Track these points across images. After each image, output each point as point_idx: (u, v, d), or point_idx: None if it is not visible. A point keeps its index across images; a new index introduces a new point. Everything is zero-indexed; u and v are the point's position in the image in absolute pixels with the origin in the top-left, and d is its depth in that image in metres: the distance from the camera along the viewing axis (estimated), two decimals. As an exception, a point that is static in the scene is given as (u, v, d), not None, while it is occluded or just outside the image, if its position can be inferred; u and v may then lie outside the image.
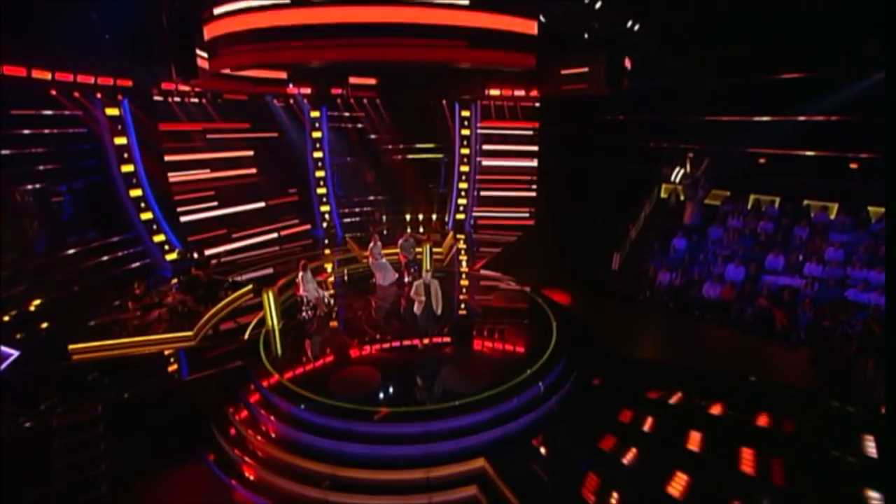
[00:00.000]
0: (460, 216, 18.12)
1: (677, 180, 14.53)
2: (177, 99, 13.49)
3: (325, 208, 17.48)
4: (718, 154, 13.31)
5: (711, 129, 13.66)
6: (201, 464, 7.02)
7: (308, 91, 15.28)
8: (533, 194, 17.75)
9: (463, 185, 18.18)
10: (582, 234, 14.73)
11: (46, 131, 11.36)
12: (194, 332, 9.28)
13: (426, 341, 8.81)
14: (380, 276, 11.93)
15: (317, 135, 16.95)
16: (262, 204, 16.10)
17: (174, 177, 14.01)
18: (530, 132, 17.29)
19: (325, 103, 16.38)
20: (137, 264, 12.71)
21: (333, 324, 10.13)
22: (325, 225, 17.30)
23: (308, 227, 17.01)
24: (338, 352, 8.77)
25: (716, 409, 7.53)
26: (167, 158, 13.82)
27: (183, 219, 14.22)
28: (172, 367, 8.66)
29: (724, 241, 12.76)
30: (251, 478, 6.70)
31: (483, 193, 18.21)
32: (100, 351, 8.72)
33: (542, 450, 6.72)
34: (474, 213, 18.18)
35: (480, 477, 6.41)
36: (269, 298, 9.50)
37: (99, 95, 11.30)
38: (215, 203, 14.98)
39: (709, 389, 8.03)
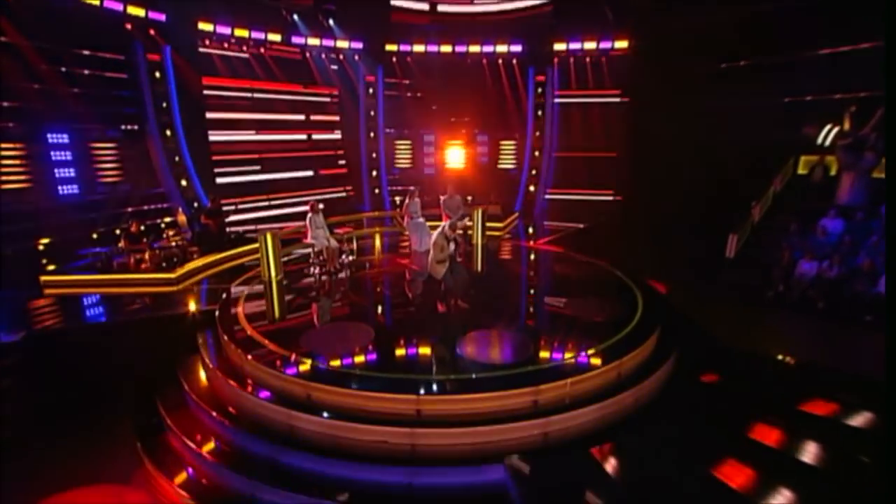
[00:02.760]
0: (530, 197, 15.70)
1: (828, 142, 10.89)
2: (220, 52, 12.86)
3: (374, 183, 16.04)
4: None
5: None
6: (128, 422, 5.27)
7: (360, 46, 14.06)
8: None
9: (535, 163, 15.82)
10: (684, 217, 11.65)
11: (86, 72, 11.03)
12: (177, 276, 7.86)
13: (453, 304, 6.55)
14: (415, 239, 9.86)
15: (371, 101, 15.68)
16: (308, 173, 15.00)
17: (215, 134, 13.34)
18: (617, 98, 14.54)
19: (381, 62, 15.03)
20: (163, 221, 11.92)
21: (343, 281, 8.21)
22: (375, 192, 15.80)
23: (355, 199, 15.57)
24: (331, 307, 6.80)
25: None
26: (209, 116, 13.21)
27: (219, 180, 13.46)
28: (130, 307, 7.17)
29: (910, 220, 8.96)
30: (178, 452, 4.81)
31: (559, 174, 15.68)
32: (71, 287, 7.58)
33: (610, 468, 4.05)
34: (547, 197, 15.67)
35: (497, 496, 3.91)
36: (268, 243, 7.84)
37: (129, 27, 10.78)
38: (256, 167, 14.11)
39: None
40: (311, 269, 8.39)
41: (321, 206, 8.53)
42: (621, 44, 13.35)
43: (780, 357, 6.37)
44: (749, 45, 11.57)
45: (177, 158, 12.45)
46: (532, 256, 10.64)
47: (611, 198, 14.76)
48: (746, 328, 7.58)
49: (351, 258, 9.41)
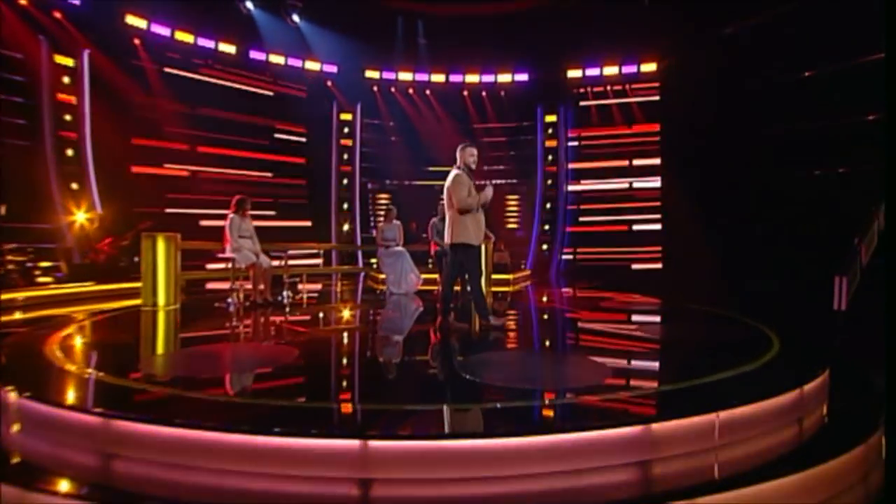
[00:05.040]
0: (542, 258, 13.93)
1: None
2: (157, 67, 11.60)
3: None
4: None
5: None
6: None
7: (334, 70, 13.06)
8: (657, 227, 13.21)
9: (546, 222, 14.35)
10: (754, 264, 10.09)
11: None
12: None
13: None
14: (391, 275, 7.71)
15: (346, 143, 14.41)
16: (267, 223, 13.01)
17: (139, 169, 11.70)
18: (650, 137, 13.44)
19: (359, 98, 13.94)
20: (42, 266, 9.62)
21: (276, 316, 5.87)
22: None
23: (319, 262, 13.46)
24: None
25: None
26: (135, 142, 11.67)
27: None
28: None
29: None
30: None
31: (577, 229, 14.12)
32: None
33: None
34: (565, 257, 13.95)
35: None
36: (160, 249, 5.67)
37: (24, 2, 9.37)
38: (196, 211, 12.18)
39: None
40: (230, 296, 6.08)
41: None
42: (648, 66, 12.46)
43: None
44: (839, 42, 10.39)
45: (74, 186, 10.56)
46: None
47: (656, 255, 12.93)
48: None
49: (294, 296, 7.19)
